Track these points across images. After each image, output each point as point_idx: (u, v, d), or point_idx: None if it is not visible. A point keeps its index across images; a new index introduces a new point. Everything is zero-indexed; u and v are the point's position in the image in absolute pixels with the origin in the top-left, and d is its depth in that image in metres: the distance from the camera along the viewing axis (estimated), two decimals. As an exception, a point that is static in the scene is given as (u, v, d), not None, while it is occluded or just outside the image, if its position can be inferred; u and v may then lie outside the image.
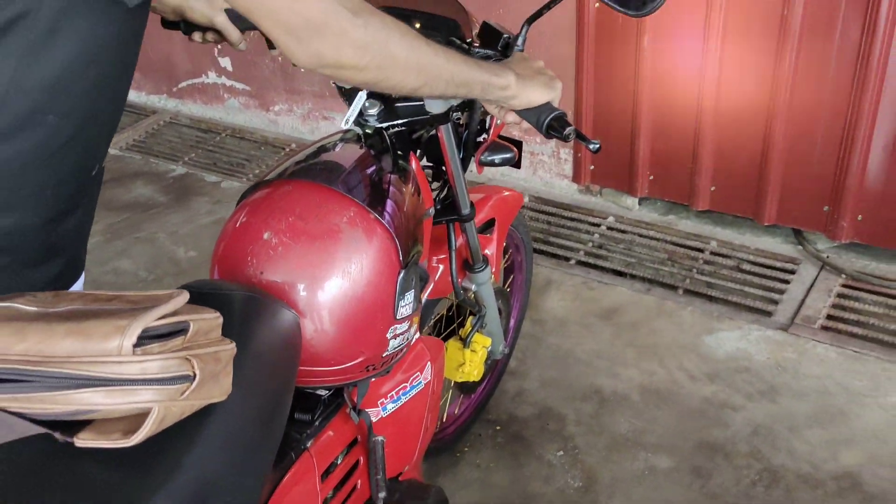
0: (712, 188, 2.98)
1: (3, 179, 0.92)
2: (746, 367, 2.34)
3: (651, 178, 3.10)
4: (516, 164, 1.60)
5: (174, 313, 0.80)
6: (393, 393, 1.39)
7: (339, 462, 1.26)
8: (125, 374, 0.75)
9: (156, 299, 0.81)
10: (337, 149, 1.32)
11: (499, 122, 1.48)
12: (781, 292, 2.65)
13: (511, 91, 1.16)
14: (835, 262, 2.76)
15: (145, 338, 0.77)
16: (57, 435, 0.78)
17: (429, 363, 1.47)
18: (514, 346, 2.25)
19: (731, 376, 2.31)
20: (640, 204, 3.19)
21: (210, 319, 0.84)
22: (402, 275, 1.22)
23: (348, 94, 1.31)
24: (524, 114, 1.21)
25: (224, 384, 0.85)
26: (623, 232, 3.03)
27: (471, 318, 1.81)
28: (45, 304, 0.82)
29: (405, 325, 1.27)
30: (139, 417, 0.77)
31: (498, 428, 2.18)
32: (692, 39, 2.74)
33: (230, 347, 0.86)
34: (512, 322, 2.14)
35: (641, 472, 2.02)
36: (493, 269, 1.78)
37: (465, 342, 1.78)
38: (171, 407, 0.78)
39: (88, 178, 1.04)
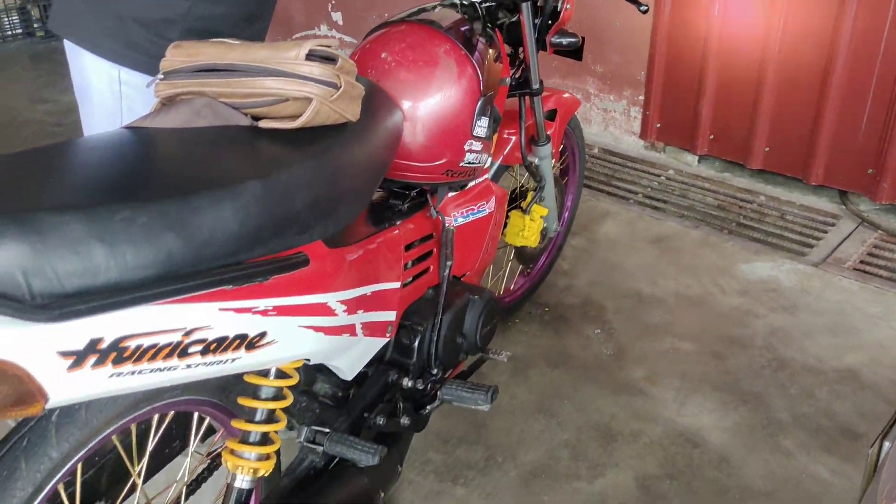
0: (766, 149, 3.26)
1: None
2: (774, 289, 2.63)
3: (711, 137, 3.40)
4: (579, 52, 1.96)
5: (331, 48, 1.20)
6: (464, 210, 1.77)
7: (416, 244, 1.64)
8: (299, 71, 1.15)
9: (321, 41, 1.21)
10: (439, 10, 1.72)
11: (568, 6, 1.85)
12: (818, 239, 2.92)
13: None
14: (874, 219, 3.01)
15: (313, 55, 1.17)
16: (248, 119, 1.19)
17: (493, 198, 1.85)
18: (567, 234, 2.59)
19: (758, 294, 2.60)
20: (699, 161, 3.49)
21: (351, 63, 1.24)
22: (481, 101, 1.60)
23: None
24: None
25: (356, 108, 1.24)
26: (680, 182, 3.34)
27: (531, 193, 2.18)
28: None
29: (479, 146, 1.65)
30: (303, 106, 1.17)
31: (546, 309, 2.53)
32: (759, 6, 3.05)
33: (361, 87, 1.26)
34: (565, 214, 2.49)
35: (666, 350, 2.34)
36: (553, 151, 2.14)
37: (525, 211, 2.14)
38: (323, 105, 1.18)
39: None
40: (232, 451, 1.20)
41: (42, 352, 0.83)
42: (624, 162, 3.52)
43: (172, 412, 1.27)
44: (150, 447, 1.22)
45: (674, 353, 2.33)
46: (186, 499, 1.36)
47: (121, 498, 1.24)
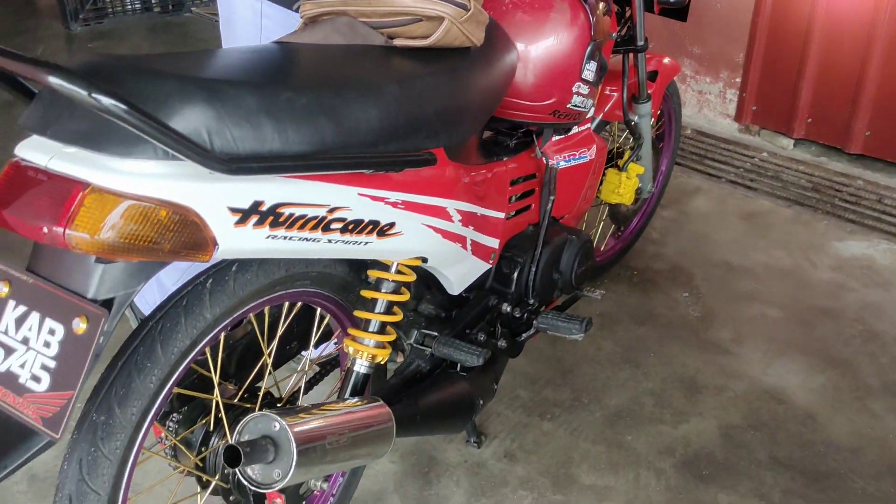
0: (867, 133, 3.22)
1: None
2: (868, 266, 2.62)
3: (809, 120, 3.38)
4: (684, 12, 2.02)
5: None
6: (566, 154, 1.86)
7: (521, 181, 1.73)
8: (433, -8, 1.26)
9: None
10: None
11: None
12: (917, 223, 2.89)
13: None
14: (976, 207, 2.95)
15: (445, -21, 1.28)
16: (384, 39, 1.31)
17: (595, 146, 1.93)
18: (659, 199, 2.63)
19: (851, 270, 2.59)
20: (794, 145, 3.47)
21: (479, -6, 1.34)
22: (591, 45, 1.68)
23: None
24: None
25: (480, 33, 1.35)
26: (774, 164, 3.33)
27: (628, 152, 2.24)
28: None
29: (586, 90, 1.73)
30: (434, 27, 1.28)
31: (635, 272, 2.59)
32: (866, -13, 3.02)
33: (486, 14, 1.36)
34: (659, 178, 2.54)
35: (754, 315, 2.37)
36: (653, 111, 2.20)
37: (622, 169, 2.21)
38: (453, 26, 1.28)
39: None
40: (353, 338, 1.33)
41: (216, 205, 0.96)
42: (717, 143, 3.53)
43: (300, 303, 1.40)
44: (279, 332, 1.35)
45: (761, 319, 2.36)
46: (305, 393, 1.49)
47: (247, 382, 1.37)
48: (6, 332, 0.97)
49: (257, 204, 1.00)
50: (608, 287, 2.50)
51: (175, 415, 1.30)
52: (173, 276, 1.73)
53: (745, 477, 1.81)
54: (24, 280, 0.97)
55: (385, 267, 1.32)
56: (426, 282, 1.59)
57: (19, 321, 0.96)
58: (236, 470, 1.06)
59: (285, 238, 1.05)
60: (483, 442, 1.89)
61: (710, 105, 3.69)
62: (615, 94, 2.11)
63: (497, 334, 1.68)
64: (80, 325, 0.92)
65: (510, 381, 2.08)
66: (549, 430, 1.94)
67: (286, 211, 1.03)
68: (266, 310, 1.37)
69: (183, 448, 1.26)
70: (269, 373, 1.36)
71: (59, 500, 1.05)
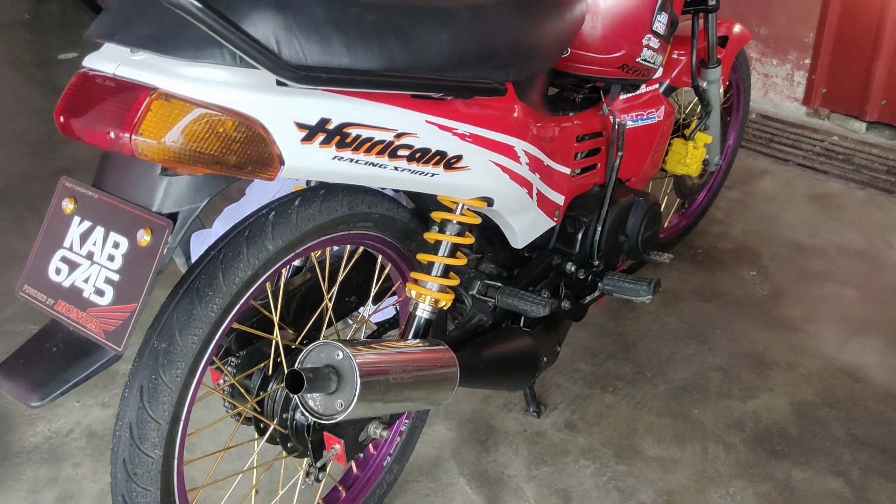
0: (945, 115, 3.08)
1: None
2: (948, 248, 2.49)
3: (883, 102, 3.24)
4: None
5: None
6: (633, 114, 1.79)
7: (587, 138, 1.68)
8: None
9: None
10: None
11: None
12: None
13: None
14: None
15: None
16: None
17: (663, 108, 1.86)
18: (726, 175, 2.54)
19: (931, 252, 2.47)
20: (867, 129, 3.33)
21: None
22: (662, -3, 1.62)
23: None
24: None
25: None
26: (845, 148, 3.20)
27: (695, 121, 2.16)
28: None
29: (656, 44, 1.66)
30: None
31: (699, 251, 2.50)
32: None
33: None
34: (726, 151, 2.45)
35: (827, 295, 2.26)
36: (722, 77, 2.12)
37: (688, 138, 2.13)
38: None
39: None
40: (416, 282, 1.28)
41: (283, 118, 0.93)
42: (783, 128, 3.41)
43: (361, 251, 1.36)
44: (339, 278, 1.31)
45: (835, 298, 2.25)
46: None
47: (306, 329, 1.34)
48: (71, 248, 0.95)
49: (324, 121, 0.97)
50: (671, 265, 2.42)
51: (233, 358, 1.28)
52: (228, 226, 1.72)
53: (821, 454, 1.72)
54: (89, 195, 0.95)
55: (450, 209, 1.28)
56: (489, 236, 1.54)
57: (84, 236, 0.94)
58: (297, 399, 1.02)
59: (351, 161, 1.01)
60: (543, 412, 1.83)
61: (776, 88, 3.57)
62: (683, 58, 2.04)
63: (561, 293, 1.62)
64: (144, 237, 0.90)
65: (570, 355, 2.01)
66: (612, 403, 1.87)
67: (353, 132, 1.00)
68: (328, 255, 1.34)
69: (241, 389, 1.23)
70: (328, 318, 1.33)
71: (119, 429, 1.03)
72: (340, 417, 1.00)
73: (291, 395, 0.98)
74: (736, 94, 2.42)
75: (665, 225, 2.44)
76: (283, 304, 1.32)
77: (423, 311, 1.27)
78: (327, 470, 1.25)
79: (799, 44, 3.42)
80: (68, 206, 0.96)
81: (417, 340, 1.22)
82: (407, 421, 1.53)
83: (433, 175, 1.12)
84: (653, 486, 1.64)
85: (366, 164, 1.03)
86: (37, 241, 0.97)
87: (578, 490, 1.63)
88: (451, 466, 1.68)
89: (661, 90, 1.99)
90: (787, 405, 1.86)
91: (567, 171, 1.59)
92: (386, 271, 1.41)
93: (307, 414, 1.03)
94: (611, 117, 1.71)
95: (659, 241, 2.40)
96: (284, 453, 1.28)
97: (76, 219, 0.95)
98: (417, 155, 1.08)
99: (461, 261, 1.29)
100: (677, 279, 2.35)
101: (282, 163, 0.94)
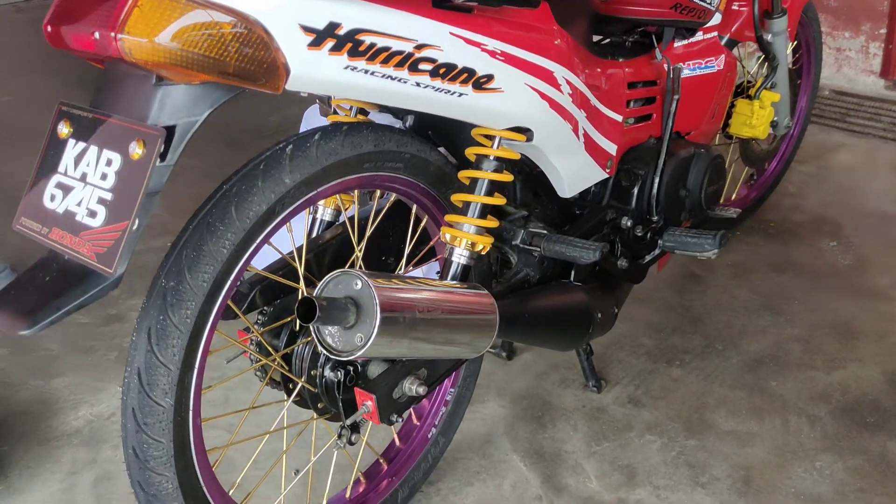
0: None
1: None
2: None
3: (969, 68, 3.00)
4: None
5: None
6: (690, 63, 1.66)
7: (639, 86, 1.55)
8: None
9: None
10: None
11: None
12: None
13: None
14: None
15: None
16: None
17: (723, 55, 1.72)
18: (798, 143, 2.35)
19: None
20: (953, 98, 3.09)
21: None
22: (716, -74, 1.49)
23: None
24: None
25: None
26: (930, 116, 2.98)
27: (760, 79, 2.00)
28: None
29: (713, -18, 1.54)
30: None
31: (772, 224, 2.32)
32: None
33: None
34: (798, 115, 2.28)
35: (917, 263, 2.07)
36: (789, 31, 1.96)
37: (754, 97, 1.98)
38: None
39: None
40: (451, 224, 1.18)
41: (286, 20, 0.85)
42: (860, 102, 3.19)
43: (393, 198, 1.27)
44: (368, 231, 1.22)
45: (927, 265, 2.05)
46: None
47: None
48: (65, 173, 0.88)
49: (334, 26, 0.88)
50: (740, 238, 2.25)
51: (260, 316, 1.19)
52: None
53: (920, 425, 1.54)
54: (83, 116, 0.88)
55: (486, 145, 1.17)
56: (534, 187, 1.43)
57: (78, 158, 0.87)
58: (314, 333, 0.93)
59: (367, 72, 0.92)
60: (603, 387, 1.69)
61: (849, 63, 3.35)
62: (745, 8, 1.89)
63: (617, 251, 1.49)
64: (136, 150, 0.82)
65: (631, 330, 1.87)
66: (679, 377, 1.72)
67: (367, 39, 0.91)
68: (356, 211, 1.24)
69: (267, 345, 1.14)
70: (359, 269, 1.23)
71: (128, 375, 0.95)
72: (359, 353, 0.90)
73: (303, 324, 0.88)
74: (806, 53, 2.25)
75: (733, 198, 2.28)
76: (314, 260, 1.23)
77: (460, 257, 1.16)
78: (362, 434, 1.15)
79: (872, 13, 3.21)
80: (63, 129, 0.89)
81: (454, 282, 1.11)
82: (452, 390, 1.42)
83: (461, 95, 1.02)
84: (727, 460, 1.48)
85: (383, 76, 0.94)
86: (33, 171, 0.91)
87: (644, 465, 1.48)
88: (504, 443, 1.56)
89: (723, 42, 1.85)
90: (878, 375, 1.67)
91: (618, 117, 1.47)
92: (422, 225, 1.31)
93: (324, 351, 0.93)
94: (665, 64, 1.58)
95: (722, 202, 2.24)
96: (315, 415, 1.19)
97: (71, 142, 0.89)
98: (442, 70, 0.98)
99: (499, 200, 1.18)
100: (748, 252, 2.18)
101: (287, 71, 0.86)
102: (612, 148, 1.46)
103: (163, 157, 0.83)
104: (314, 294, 0.95)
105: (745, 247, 2.20)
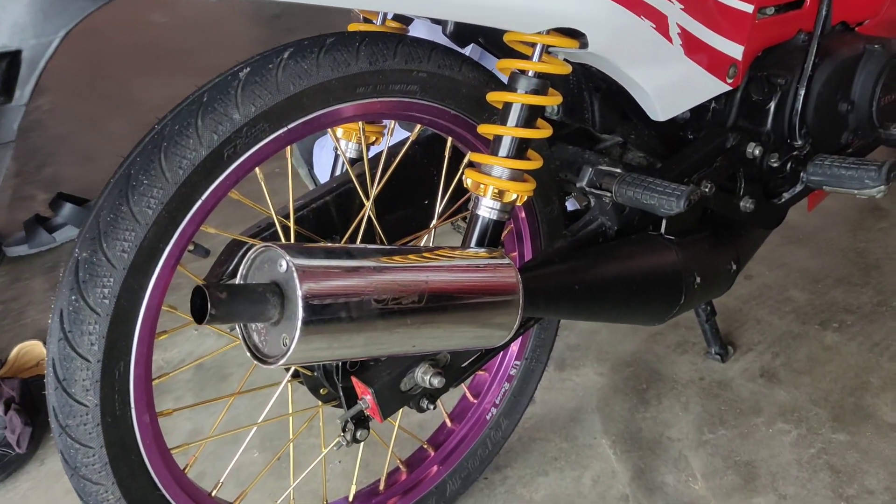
0: None
1: None
2: None
3: None
4: None
5: None
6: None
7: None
8: None
9: None
10: None
11: None
12: None
13: None
14: None
15: None
16: None
17: None
18: None
19: None
20: None
21: None
22: None
23: None
24: None
25: None
26: None
27: None
28: None
29: None
30: None
31: None
32: None
33: None
34: None
35: None
36: None
37: None
38: None
39: None
40: (475, 166, 0.88)
41: None
42: None
43: (417, 129, 0.99)
44: (378, 179, 0.95)
45: None
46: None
47: (351, 228, 1.00)
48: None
49: None
50: None
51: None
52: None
53: None
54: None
55: (524, 55, 0.85)
56: (623, 111, 1.09)
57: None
58: (239, 332, 0.70)
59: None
60: (730, 354, 1.35)
61: None
62: None
63: (739, 188, 1.12)
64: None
65: (780, 279, 1.49)
66: (834, 344, 1.33)
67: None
68: (385, 146, 0.97)
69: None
70: (378, 236, 0.97)
71: (47, 365, 0.78)
72: (285, 360, 0.65)
73: (196, 324, 0.66)
74: None
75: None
76: (321, 208, 1.00)
77: (486, 210, 0.87)
78: (368, 428, 0.92)
79: None
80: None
81: (452, 247, 0.83)
82: (518, 362, 1.15)
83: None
84: (887, 467, 1.11)
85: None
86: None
87: (769, 465, 1.15)
88: (594, 422, 1.28)
89: None
90: None
91: (746, 7, 1.07)
92: (464, 164, 1.01)
93: (251, 357, 0.70)
94: (823, -76, 1.14)
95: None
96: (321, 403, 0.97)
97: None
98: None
99: (543, 131, 0.86)
100: None
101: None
102: (735, 50, 1.07)
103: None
104: (238, 276, 0.71)
105: None
